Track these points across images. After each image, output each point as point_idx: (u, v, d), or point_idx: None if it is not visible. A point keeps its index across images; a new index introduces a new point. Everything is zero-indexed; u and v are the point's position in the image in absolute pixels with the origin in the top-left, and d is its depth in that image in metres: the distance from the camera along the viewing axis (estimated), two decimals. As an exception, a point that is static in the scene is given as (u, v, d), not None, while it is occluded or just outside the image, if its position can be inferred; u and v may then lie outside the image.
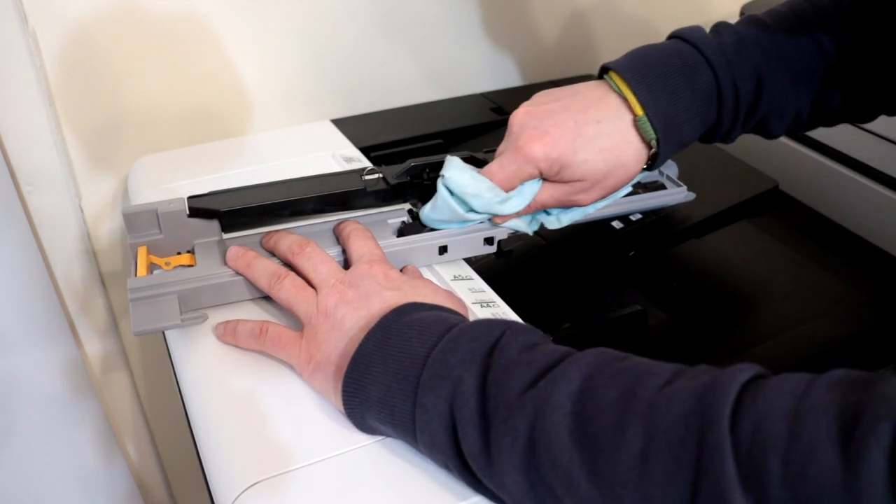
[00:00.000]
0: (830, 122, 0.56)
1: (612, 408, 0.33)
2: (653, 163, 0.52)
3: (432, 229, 0.53)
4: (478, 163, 0.52)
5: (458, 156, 0.52)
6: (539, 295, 0.56)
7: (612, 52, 0.96)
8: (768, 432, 0.29)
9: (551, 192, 0.51)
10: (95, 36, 0.66)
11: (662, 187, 0.60)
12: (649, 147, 0.51)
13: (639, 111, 0.49)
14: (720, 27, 0.54)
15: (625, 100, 0.50)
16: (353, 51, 0.79)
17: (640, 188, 0.58)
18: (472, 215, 0.51)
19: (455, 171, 0.50)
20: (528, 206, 0.52)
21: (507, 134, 0.52)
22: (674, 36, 0.53)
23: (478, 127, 0.77)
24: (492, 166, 0.50)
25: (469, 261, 0.55)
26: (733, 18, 0.84)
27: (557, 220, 0.54)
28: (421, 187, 0.54)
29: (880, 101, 0.54)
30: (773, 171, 0.68)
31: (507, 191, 0.50)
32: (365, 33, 0.79)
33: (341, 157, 0.68)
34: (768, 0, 0.88)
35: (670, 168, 0.61)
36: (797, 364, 0.50)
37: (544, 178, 0.51)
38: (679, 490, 0.30)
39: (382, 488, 0.38)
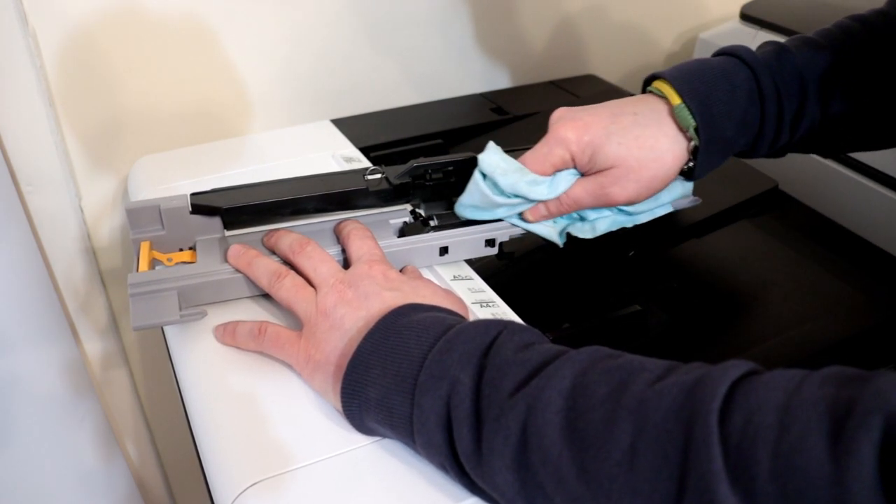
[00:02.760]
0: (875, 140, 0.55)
1: (603, 403, 0.33)
2: (694, 158, 0.50)
3: (434, 230, 0.53)
4: (516, 157, 0.52)
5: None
6: (539, 295, 0.56)
7: (613, 51, 0.96)
8: (758, 425, 0.28)
9: (584, 186, 0.51)
10: (95, 36, 0.67)
11: None
12: (687, 139, 0.50)
13: (676, 100, 0.49)
14: (765, 43, 0.54)
15: (664, 98, 0.50)
16: (353, 51, 0.79)
17: None
18: (500, 198, 0.50)
19: (488, 152, 0.50)
20: (561, 201, 0.51)
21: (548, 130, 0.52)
22: (718, 53, 0.54)
23: (478, 127, 0.77)
24: (526, 153, 0.51)
25: (469, 261, 0.54)
26: (730, 20, 0.83)
27: (592, 229, 0.53)
28: (423, 188, 0.54)
29: None
30: (773, 171, 0.68)
31: (539, 175, 0.50)
32: (365, 33, 0.79)
33: (341, 157, 0.68)
34: (769, 0, 0.88)
35: None
36: (797, 364, 0.49)
37: (580, 173, 0.51)
38: (666, 484, 0.30)
39: (382, 489, 0.38)
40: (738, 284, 0.58)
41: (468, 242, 0.53)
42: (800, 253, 0.61)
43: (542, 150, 0.50)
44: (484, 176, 0.50)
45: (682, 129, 0.50)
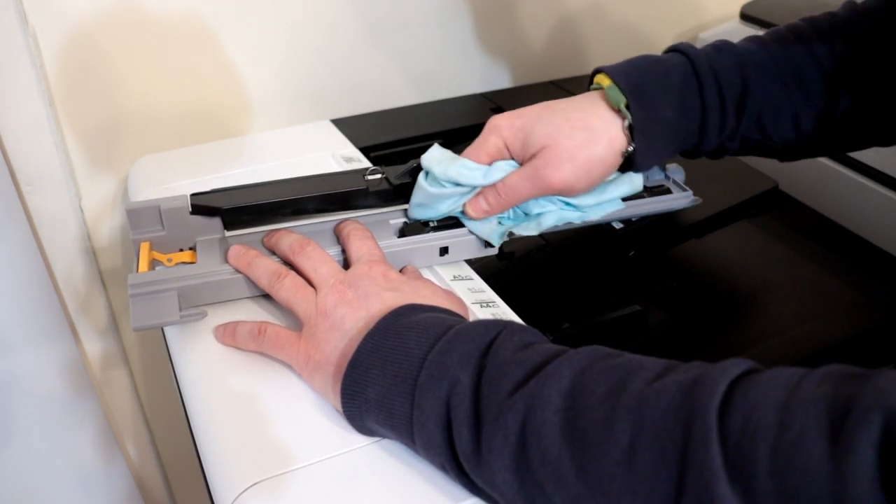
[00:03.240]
0: (850, 140, 0.55)
1: (602, 402, 0.33)
2: (635, 148, 0.50)
3: (434, 230, 0.53)
4: None
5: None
6: (539, 295, 0.56)
7: (613, 51, 0.96)
8: (758, 423, 0.28)
9: (519, 172, 0.50)
10: (95, 36, 0.66)
11: (668, 192, 0.59)
12: (622, 118, 0.50)
13: (606, 82, 0.50)
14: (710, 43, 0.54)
15: (600, 90, 0.51)
16: (353, 50, 0.79)
17: (645, 192, 0.57)
18: (435, 189, 0.51)
19: (429, 150, 0.51)
20: (498, 190, 0.50)
21: None
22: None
23: (478, 127, 0.76)
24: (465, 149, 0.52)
25: (469, 261, 0.54)
26: (730, 20, 0.83)
27: (537, 224, 0.52)
28: None
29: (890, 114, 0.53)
30: (773, 171, 0.68)
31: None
32: (364, 33, 0.79)
33: (341, 157, 0.68)
34: (769, 0, 0.88)
35: (677, 173, 0.60)
36: (797, 364, 0.49)
37: (518, 164, 0.51)
38: (665, 483, 0.30)
39: (382, 489, 0.38)
40: (738, 284, 0.58)
41: (468, 243, 0.53)
42: (800, 253, 0.61)
43: (478, 141, 0.51)
44: (427, 174, 0.51)
45: (615, 110, 0.50)
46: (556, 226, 0.53)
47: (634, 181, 0.54)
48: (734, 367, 0.31)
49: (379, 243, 0.50)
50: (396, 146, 0.72)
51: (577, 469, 0.32)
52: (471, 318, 0.48)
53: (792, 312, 0.55)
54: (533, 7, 0.87)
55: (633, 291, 0.56)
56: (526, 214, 0.53)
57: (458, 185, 0.51)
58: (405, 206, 0.55)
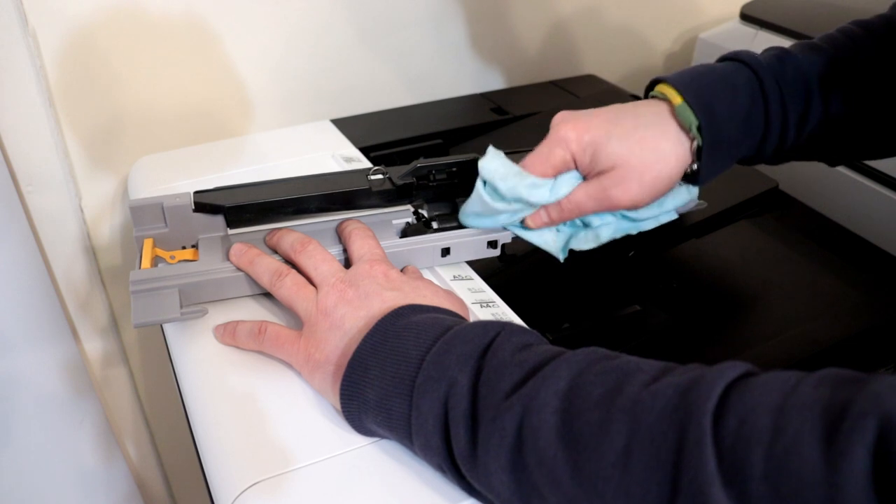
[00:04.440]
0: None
1: (598, 405, 0.33)
2: (698, 160, 0.50)
3: (438, 230, 0.53)
4: (518, 159, 0.51)
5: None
6: (539, 295, 0.56)
7: (613, 52, 0.96)
8: (753, 427, 0.28)
9: (586, 189, 0.50)
10: (95, 36, 0.67)
11: None
12: (690, 139, 0.49)
13: (677, 100, 0.49)
14: (766, 49, 0.53)
15: (667, 101, 0.50)
16: (353, 51, 0.79)
17: None
18: (500, 204, 0.49)
19: (488, 157, 0.49)
20: (562, 206, 0.50)
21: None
22: (720, 59, 0.53)
23: (478, 127, 0.77)
24: (527, 156, 0.50)
25: (469, 261, 0.54)
26: (730, 20, 0.83)
27: (596, 237, 0.52)
28: (426, 188, 0.54)
29: None
30: (773, 171, 0.68)
31: (539, 177, 0.49)
32: (364, 33, 0.79)
33: (341, 157, 0.68)
34: (769, 0, 0.88)
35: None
36: (797, 364, 0.50)
37: (582, 177, 0.50)
38: (659, 485, 0.30)
39: (382, 489, 0.38)
40: (738, 284, 0.58)
41: (470, 244, 0.53)
42: (800, 253, 0.61)
43: (543, 152, 0.49)
44: (485, 183, 0.49)
45: (685, 129, 0.49)
46: (614, 237, 0.52)
47: (692, 193, 0.53)
48: (731, 369, 0.31)
49: (381, 243, 0.50)
50: (396, 146, 0.72)
51: (572, 471, 0.32)
52: (471, 319, 0.48)
53: (792, 312, 0.55)
54: (531, 7, 0.87)
55: (633, 291, 0.56)
56: (584, 224, 0.53)
57: (524, 201, 0.50)
58: (407, 207, 0.55)
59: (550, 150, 0.49)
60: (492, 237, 0.53)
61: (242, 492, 0.38)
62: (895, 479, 0.25)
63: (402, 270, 0.51)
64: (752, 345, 0.52)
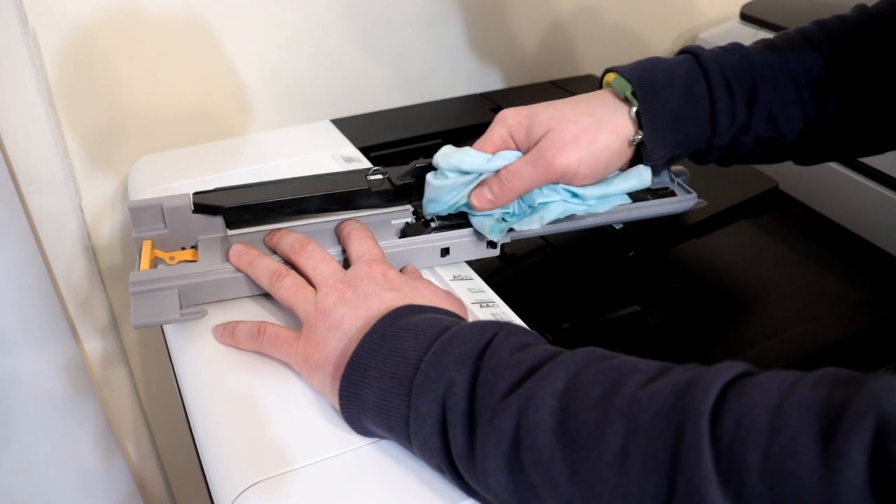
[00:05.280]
0: (867, 145, 0.55)
1: (595, 405, 0.33)
2: (644, 138, 0.50)
3: (436, 230, 0.53)
4: None
5: None
6: (539, 295, 0.56)
7: (614, 52, 0.96)
8: (750, 427, 0.28)
9: (524, 158, 0.50)
10: (95, 36, 0.67)
11: (672, 194, 0.58)
12: (628, 105, 0.50)
13: (611, 76, 0.51)
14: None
15: (609, 87, 0.52)
16: (353, 51, 0.79)
17: (648, 194, 0.56)
18: (438, 182, 0.51)
19: (440, 150, 0.51)
20: (502, 178, 0.50)
21: None
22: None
23: (478, 127, 0.76)
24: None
25: (469, 261, 0.54)
26: (730, 20, 0.83)
27: (541, 217, 0.51)
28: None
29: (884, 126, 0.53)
30: (773, 171, 0.68)
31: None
32: (364, 34, 0.79)
33: (341, 157, 0.68)
34: (769, 0, 0.88)
35: (681, 175, 0.59)
36: (797, 364, 0.50)
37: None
38: (656, 486, 0.30)
39: (381, 489, 0.38)
40: (738, 284, 0.58)
41: (470, 244, 0.53)
42: (800, 253, 0.61)
43: (484, 134, 0.52)
44: (435, 171, 0.52)
45: (622, 98, 0.50)
46: (559, 219, 0.52)
47: (643, 174, 0.53)
48: (728, 369, 0.31)
49: (380, 243, 0.50)
50: (396, 146, 0.72)
51: (569, 471, 0.32)
52: (470, 319, 0.48)
53: (792, 312, 0.55)
54: (531, 7, 0.87)
55: (633, 291, 0.56)
56: (531, 208, 0.52)
57: (462, 173, 0.50)
58: (407, 207, 0.55)
59: (490, 130, 0.51)
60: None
61: (242, 492, 0.38)
62: (892, 479, 0.25)
63: (401, 270, 0.51)
64: (752, 345, 0.52)
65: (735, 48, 0.53)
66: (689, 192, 0.58)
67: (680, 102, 0.50)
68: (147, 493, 0.94)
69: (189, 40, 0.71)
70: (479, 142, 0.51)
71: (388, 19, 0.79)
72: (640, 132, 0.50)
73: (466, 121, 0.78)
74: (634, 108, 0.50)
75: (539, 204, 0.51)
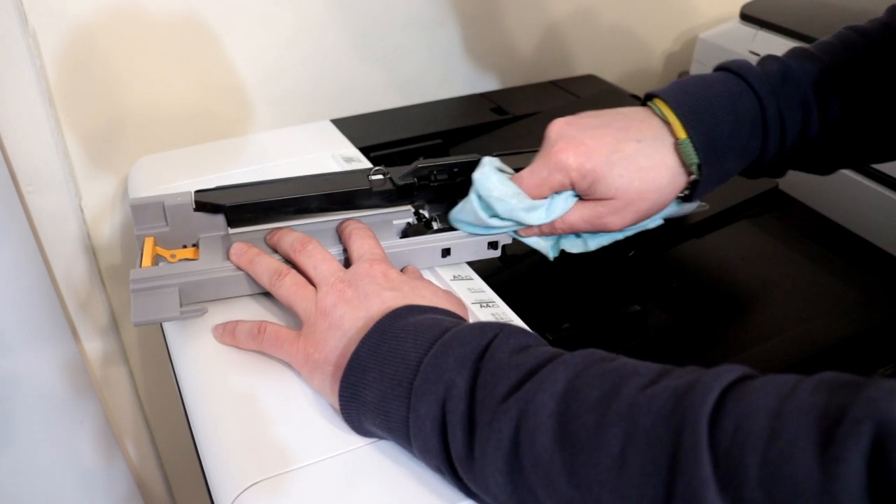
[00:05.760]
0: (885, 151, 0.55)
1: (594, 408, 0.33)
2: (692, 192, 0.50)
3: (439, 230, 0.53)
4: (515, 162, 0.51)
5: (494, 155, 0.51)
6: (539, 295, 0.56)
7: (614, 52, 0.96)
8: (748, 432, 0.28)
9: (581, 213, 0.50)
10: (95, 36, 0.67)
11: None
12: (688, 174, 0.49)
13: (681, 134, 0.48)
14: (766, 59, 0.52)
15: (667, 124, 0.49)
16: (353, 51, 0.79)
17: None
18: (495, 221, 0.50)
19: (484, 172, 0.49)
20: (555, 225, 0.50)
21: (543, 143, 0.50)
22: (720, 68, 0.52)
23: (478, 127, 0.77)
24: (523, 172, 0.49)
25: (469, 261, 0.54)
26: (730, 20, 0.83)
27: (584, 244, 0.52)
28: (427, 189, 0.54)
29: None
30: (773, 171, 0.68)
31: (535, 198, 0.49)
32: (365, 34, 0.79)
33: (341, 157, 0.68)
34: (769, 0, 0.88)
35: None
36: (797, 364, 0.50)
37: (577, 196, 0.50)
38: (654, 490, 0.30)
39: (381, 489, 0.38)
40: (738, 284, 0.58)
41: (471, 245, 0.53)
42: (800, 253, 0.61)
43: (542, 174, 0.48)
44: (479, 196, 0.49)
45: (685, 164, 0.49)
46: (602, 244, 0.53)
47: (681, 207, 0.53)
48: (727, 373, 0.31)
49: (381, 243, 0.50)
50: (396, 146, 0.72)
51: (568, 474, 0.32)
52: (470, 319, 0.48)
53: (792, 312, 0.55)
54: (531, 8, 0.87)
55: (633, 291, 0.56)
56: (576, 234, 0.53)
57: (519, 222, 0.50)
58: (408, 207, 0.55)
59: (550, 174, 0.48)
60: (493, 238, 0.53)
61: (242, 492, 0.38)
62: (890, 485, 0.25)
63: (402, 270, 0.51)
64: (752, 345, 0.52)
65: (793, 80, 0.51)
66: None
67: (734, 165, 0.50)
68: (147, 493, 0.94)
69: (189, 40, 0.71)
70: (535, 181, 0.49)
71: (388, 19, 0.79)
72: (687, 190, 0.50)
73: (466, 121, 0.78)
74: (694, 178, 0.49)
75: (585, 236, 0.52)
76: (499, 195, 0.48)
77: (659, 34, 1.00)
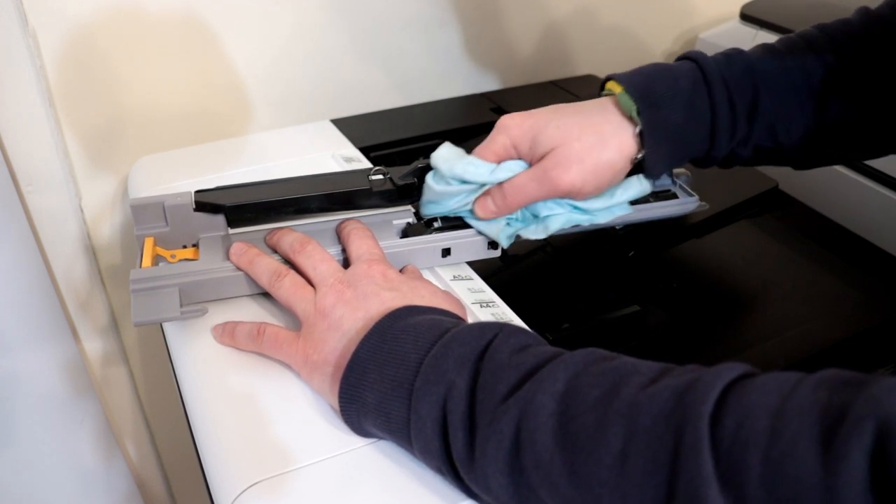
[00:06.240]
0: (866, 149, 0.55)
1: (595, 407, 0.33)
2: (645, 157, 0.50)
3: (437, 230, 0.53)
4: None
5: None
6: (539, 295, 0.56)
7: (614, 52, 0.96)
8: (750, 430, 0.28)
9: (527, 172, 0.50)
10: (95, 36, 0.67)
11: (675, 196, 0.58)
12: (633, 125, 0.49)
13: (617, 89, 0.50)
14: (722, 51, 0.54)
15: (613, 97, 0.51)
16: (353, 51, 0.79)
17: (650, 197, 0.57)
18: (440, 187, 0.50)
19: (440, 148, 0.51)
20: (505, 191, 0.50)
21: None
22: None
23: (478, 127, 0.77)
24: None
25: (469, 261, 0.54)
26: (730, 20, 0.83)
27: (545, 228, 0.52)
28: None
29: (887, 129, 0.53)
30: (772, 172, 0.68)
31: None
32: (366, 34, 0.79)
33: (341, 157, 0.68)
34: (769, 0, 0.88)
35: (683, 177, 0.59)
36: (797, 364, 0.50)
37: (527, 165, 0.50)
38: (655, 488, 0.30)
39: (381, 489, 0.38)
40: (738, 284, 0.58)
41: (471, 244, 0.53)
42: (800, 253, 0.61)
43: (486, 140, 0.51)
44: (434, 172, 0.51)
45: (627, 116, 0.49)
46: (563, 229, 0.52)
47: (643, 184, 0.53)
48: (728, 371, 0.31)
49: (381, 244, 0.50)
50: (396, 146, 0.72)
51: (569, 473, 0.32)
52: (470, 319, 0.48)
53: (792, 312, 0.55)
54: (531, 8, 0.87)
55: (633, 291, 0.56)
56: (534, 216, 0.52)
57: (464, 182, 0.50)
58: (408, 207, 0.55)
59: (493, 138, 0.51)
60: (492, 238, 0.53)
61: (242, 492, 0.38)
62: (893, 483, 0.25)
63: (401, 270, 0.51)
64: (752, 345, 0.52)
65: (738, 56, 0.52)
66: (690, 195, 0.58)
67: (682, 119, 0.50)
68: (147, 493, 0.94)
69: (189, 40, 0.71)
70: (481, 148, 0.51)
71: (388, 19, 0.79)
72: (642, 150, 0.50)
73: (466, 121, 0.78)
74: (638, 128, 0.49)
75: (543, 215, 0.52)
76: (444, 157, 0.50)
77: (659, 34, 1.00)
